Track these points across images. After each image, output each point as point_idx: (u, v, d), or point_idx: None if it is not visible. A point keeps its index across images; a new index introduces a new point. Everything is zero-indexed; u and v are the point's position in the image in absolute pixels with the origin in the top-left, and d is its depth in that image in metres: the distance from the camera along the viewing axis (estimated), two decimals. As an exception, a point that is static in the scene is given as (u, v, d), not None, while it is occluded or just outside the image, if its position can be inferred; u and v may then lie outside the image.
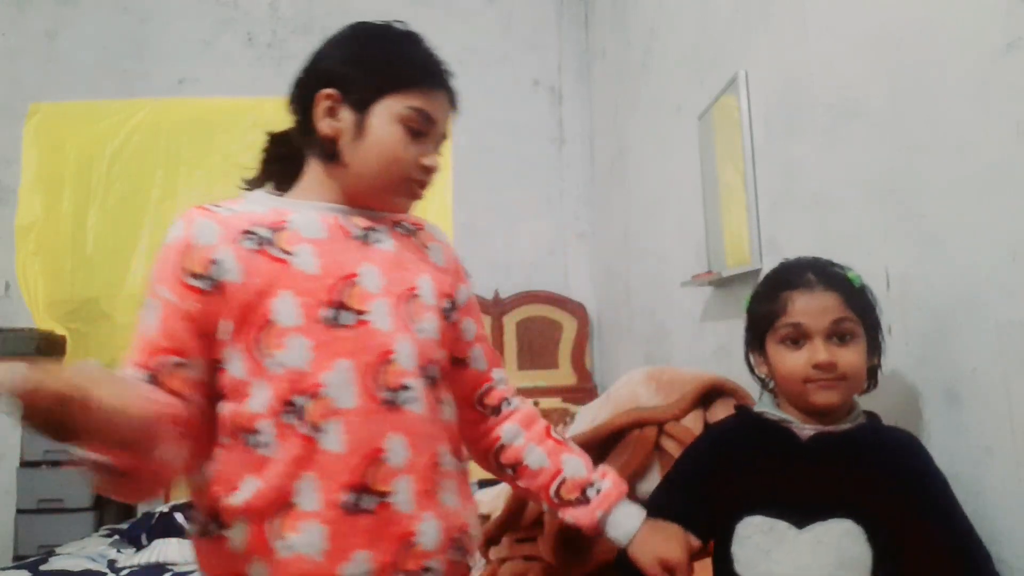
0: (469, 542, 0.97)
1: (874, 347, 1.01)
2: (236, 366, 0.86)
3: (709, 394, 1.57)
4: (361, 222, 0.96)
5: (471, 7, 3.88)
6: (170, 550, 2.38)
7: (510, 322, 3.65)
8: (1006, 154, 0.89)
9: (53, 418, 0.70)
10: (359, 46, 0.96)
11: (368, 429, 0.86)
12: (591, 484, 1.04)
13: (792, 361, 0.98)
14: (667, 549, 0.98)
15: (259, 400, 0.84)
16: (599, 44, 3.57)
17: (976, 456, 0.95)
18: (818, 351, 0.96)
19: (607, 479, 1.06)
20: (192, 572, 0.79)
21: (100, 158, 3.61)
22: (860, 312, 0.98)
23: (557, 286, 3.74)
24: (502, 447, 1.08)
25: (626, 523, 1.02)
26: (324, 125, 0.93)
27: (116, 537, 2.65)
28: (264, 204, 0.94)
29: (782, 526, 0.94)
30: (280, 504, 0.83)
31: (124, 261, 3.54)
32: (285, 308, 0.86)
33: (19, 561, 2.55)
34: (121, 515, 3.15)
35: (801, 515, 0.94)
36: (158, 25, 3.73)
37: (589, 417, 1.70)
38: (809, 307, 0.98)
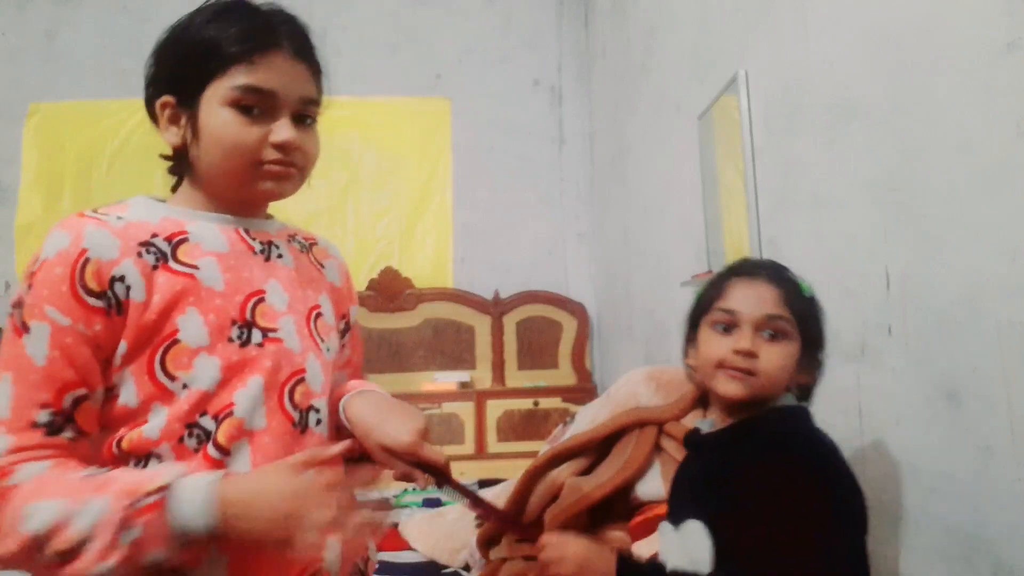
0: (367, 567, 0.94)
1: (809, 362, 0.99)
2: (129, 391, 0.77)
3: (709, 394, 1.57)
4: (260, 236, 0.90)
5: (471, 7, 3.88)
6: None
7: (510, 322, 3.65)
8: (1006, 154, 0.89)
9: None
10: (172, 42, 0.87)
11: (279, 452, 0.81)
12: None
13: (715, 345, 0.98)
14: (396, 433, 0.84)
15: (154, 426, 0.77)
16: (599, 44, 3.57)
17: (976, 456, 0.95)
18: (743, 338, 0.95)
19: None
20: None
21: (100, 158, 3.62)
22: (800, 318, 0.97)
23: (557, 286, 3.74)
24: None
25: (353, 402, 0.91)
26: (169, 135, 0.86)
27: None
28: (153, 212, 0.85)
29: (667, 526, 1.01)
30: None
31: (124, 261, 3.54)
32: (193, 327, 0.79)
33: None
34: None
35: (675, 514, 1.00)
36: (158, 25, 3.65)
37: (589, 417, 1.70)
38: (746, 295, 0.98)
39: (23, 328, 0.74)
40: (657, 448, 1.50)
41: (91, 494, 0.69)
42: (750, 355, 0.94)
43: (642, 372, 1.73)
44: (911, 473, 1.06)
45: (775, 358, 0.94)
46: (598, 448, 1.57)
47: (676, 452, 1.47)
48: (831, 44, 1.33)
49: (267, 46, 0.83)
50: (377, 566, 0.99)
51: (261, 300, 0.85)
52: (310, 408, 0.86)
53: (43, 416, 0.73)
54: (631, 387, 1.67)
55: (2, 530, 0.69)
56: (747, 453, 0.95)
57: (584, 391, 3.48)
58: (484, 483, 2.94)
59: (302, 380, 0.86)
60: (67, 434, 0.74)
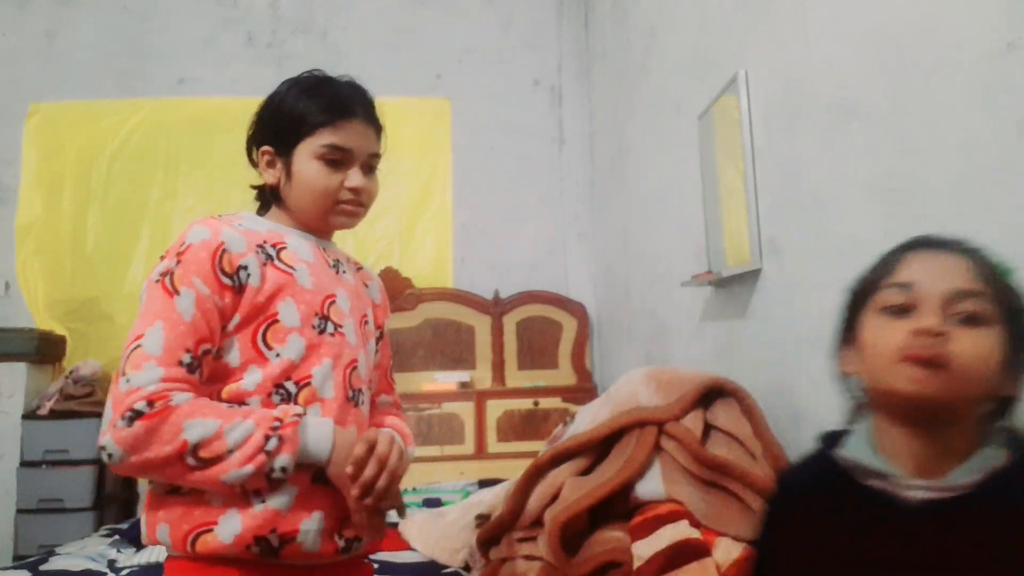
0: (384, 528, 1.13)
1: (1016, 364, 0.72)
2: (233, 354, 1.00)
3: (709, 394, 1.57)
4: (332, 254, 1.17)
5: (471, 7, 3.88)
6: (170, 550, 2.37)
7: (510, 322, 3.65)
8: (1006, 154, 0.89)
9: None
10: (272, 107, 1.13)
11: (339, 416, 1.04)
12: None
13: (888, 332, 0.72)
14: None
15: (251, 381, 1.00)
16: (599, 44, 3.57)
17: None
18: (926, 316, 0.70)
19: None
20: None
21: (100, 158, 3.61)
22: (1004, 305, 0.71)
23: (557, 286, 3.74)
24: None
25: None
26: (267, 176, 1.14)
27: (116, 537, 2.65)
28: (261, 225, 1.11)
29: None
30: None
31: (124, 261, 3.54)
32: (289, 312, 1.04)
33: (19, 561, 2.54)
34: (121, 515, 3.16)
35: None
36: (158, 25, 3.73)
37: (589, 417, 1.70)
38: (927, 267, 0.73)
39: (174, 291, 0.97)
40: (657, 448, 1.50)
41: (239, 417, 0.94)
42: (938, 335, 0.68)
43: (642, 372, 1.73)
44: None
45: (974, 346, 0.68)
46: (598, 448, 1.57)
47: (676, 452, 1.47)
48: (831, 44, 1.33)
49: (347, 114, 1.10)
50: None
51: (334, 302, 1.10)
52: (359, 389, 1.10)
53: (186, 358, 0.95)
54: (631, 387, 1.67)
55: (163, 438, 0.90)
56: None
57: (584, 391, 3.48)
58: (484, 483, 2.94)
59: (356, 367, 1.10)
60: (197, 375, 0.96)
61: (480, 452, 3.40)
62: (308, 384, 1.03)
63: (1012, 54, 0.88)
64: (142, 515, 1.01)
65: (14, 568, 2.21)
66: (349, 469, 0.97)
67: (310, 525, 0.99)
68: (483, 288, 3.67)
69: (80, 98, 3.65)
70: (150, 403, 0.90)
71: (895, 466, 0.72)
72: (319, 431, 0.99)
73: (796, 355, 1.50)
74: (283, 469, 0.94)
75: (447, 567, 1.97)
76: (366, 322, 1.18)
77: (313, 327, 1.05)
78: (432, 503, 2.70)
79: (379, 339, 1.25)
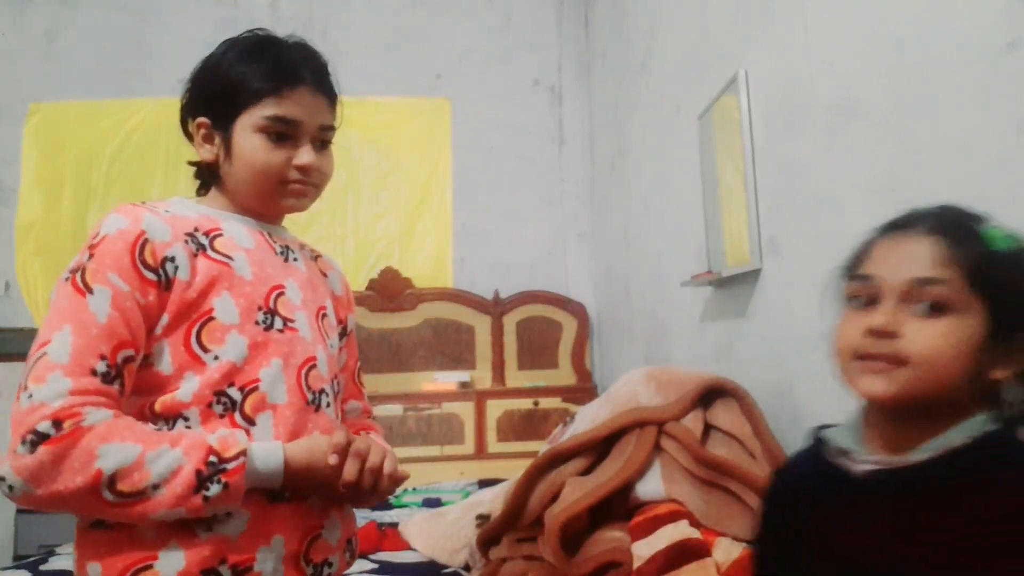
0: (356, 546, 1.04)
1: (1006, 346, 0.67)
2: (164, 361, 0.87)
3: (709, 394, 1.57)
4: (280, 240, 1.03)
5: (471, 7, 3.88)
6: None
7: (510, 322, 3.65)
8: (1007, 154, 0.89)
9: None
10: (207, 72, 1.01)
11: (296, 424, 0.92)
12: None
13: (847, 327, 0.71)
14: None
15: (187, 391, 0.87)
16: (599, 44, 3.57)
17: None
18: (881, 311, 0.67)
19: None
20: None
21: (100, 158, 3.61)
22: (981, 280, 0.66)
23: (557, 286, 3.74)
24: None
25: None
26: (203, 152, 1.00)
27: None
28: (192, 210, 0.98)
29: None
30: None
31: (124, 261, 3.54)
32: (226, 307, 0.91)
33: (19, 561, 2.54)
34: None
35: None
36: (158, 25, 3.73)
37: (589, 417, 1.70)
38: (890, 254, 0.70)
39: (86, 289, 0.83)
40: (657, 448, 1.50)
41: (164, 444, 0.80)
42: (886, 335, 0.66)
43: (642, 372, 1.73)
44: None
45: (931, 338, 0.65)
46: (598, 448, 1.57)
47: (676, 452, 1.47)
48: (831, 44, 1.33)
49: (293, 81, 0.96)
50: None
51: (282, 293, 0.97)
52: (321, 391, 0.97)
53: (100, 366, 0.81)
54: (631, 387, 1.67)
55: (72, 466, 0.76)
56: (1002, 495, 0.63)
57: (584, 391, 3.48)
58: (484, 483, 2.94)
59: (314, 366, 0.97)
60: (116, 386, 0.83)
61: (480, 452, 3.40)
62: (255, 389, 0.89)
63: (1012, 54, 0.88)
64: (74, 553, 0.87)
65: (14, 568, 2.21)
66: (332, 459, 0.86)
67: (268, 554, 0.87)
68: (483, 288, 3.67)
69: (80, 98, 3.64)
70: (56, 423, 0.75)
71: (873, 452, 0.71)
72: (268, 464, 0.85)
73: (796, 355, 1.50)
74: (227, 514, 0.84)
75: (447, 567, 1.97)
76: (324, 315, 1.04)
77: (257, 323, 0.92)
78: (432, 503, 2.70)
79: (343, 336, 1.11)
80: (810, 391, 1.44)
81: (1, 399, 3.10)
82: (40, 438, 0.75)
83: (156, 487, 0.78)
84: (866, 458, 0.70)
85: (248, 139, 0.95)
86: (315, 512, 0.93)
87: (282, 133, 0.96)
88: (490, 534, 1.69)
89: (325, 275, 1.12)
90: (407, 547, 2.16)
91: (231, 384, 0.88)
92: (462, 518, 2.12)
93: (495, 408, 3.45)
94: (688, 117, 2.14)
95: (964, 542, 0.62)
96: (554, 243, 3.81)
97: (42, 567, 2.20)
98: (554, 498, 1.51)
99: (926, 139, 1.05)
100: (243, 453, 0.82)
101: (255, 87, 0.95)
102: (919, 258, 0.67)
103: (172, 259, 0.88)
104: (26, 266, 3.51)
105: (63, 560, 2.31)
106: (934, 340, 0.65)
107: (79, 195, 3.58)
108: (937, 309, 0.66)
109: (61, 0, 3.70)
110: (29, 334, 3.17)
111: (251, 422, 0.88)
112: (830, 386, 1.12)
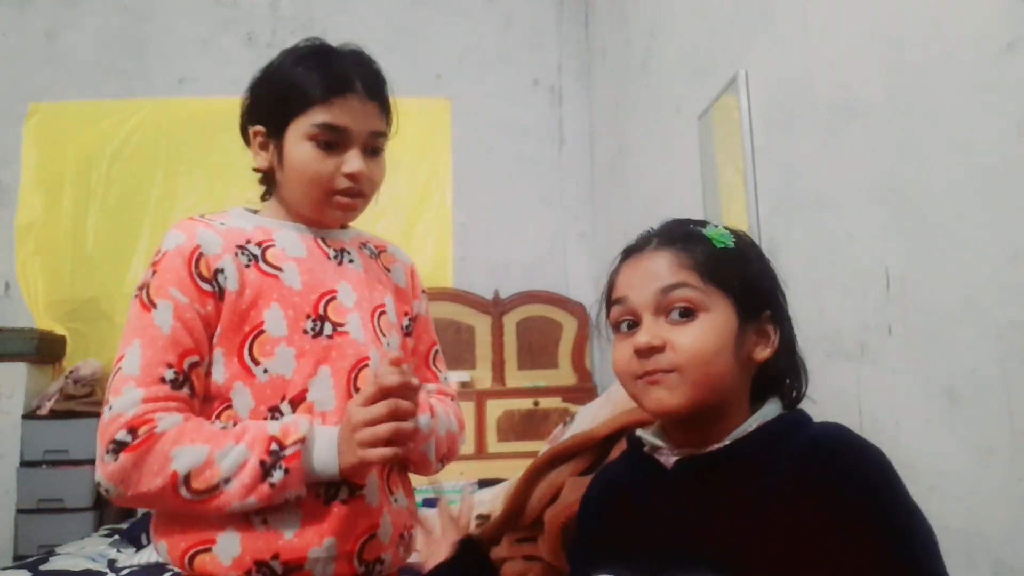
0: (412, 541, 1.05)
1: (759, 324, 0.74)
2: (218, 370, 0.92)
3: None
4: (334, 244, 1.05)
5: (471, 7, 3.88)
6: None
7: (510, 322, 3.65)
8: (1006, 154, 0.89)
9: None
10: (264, 80, 1.02)
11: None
12: None
13: (619, 352, 0.74)
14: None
15: (242, 403, 0.91)
16: (599, 44, 3.57)
17: (976, 456, 0.95)
18: (642, 330, 0.71)
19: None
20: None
21: (100, 158, 3.61)
22: (718, 278, 0.72)
23: (557, 286, 3.74)
24: None
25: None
26: (259, 159, 1.02)
27: (116, 537, 2.65)
28: (248, 221, 1.01)
29: None
30: None
31: (124, 261, 3.54)
32: (275, 319, 0.94)
33: (19, 561, 2.55)
34: (121, 515, 3.15)
35: (654, 569, 0.68)
36: (158, 25, 3.73)
37: (589, 417, 1.70)
38: (634, 275, 0.74)
39: (151, 304, 0.90)
40: (657, 448, 1.50)
41: (230, 440, 0.86)
42: (654, 351, 0.70)
43: (642, 372, 1.72)
44: (911, 473, 1.06)
45: (692, 339, 0.69)
46: (598, 448, 1.57)
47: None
48: (831, 44, 1.33)
49: (343, 89, 0.97)
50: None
51: (333, 298, 0.99)
52: None
53: (168, 374, 0.87)
54: (631, 387, 1.67)
55: (151, 469, 0.83)
56: (792, 469, 0.66)
57: (584, 391, 3.48)
58: (484, 483, 2.94)
59: (366, 367, 0.98)
60: (185, 390, 0.89)
61: (480, 452, 3.40)
62: (303, 400, 0.93)
63: (1012, 54, 0.88)
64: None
65: (14, 568, 2.21)
66: (363, 413, 0.87)
67: (319, 553, 0.89)
68: (483, 288, 3.67)
69: (80, 98, 3.65)
70: (132, 431, 0.83)
71: (679, 448, 0.75)
72: (324, 450, 0.89)
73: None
74: (298, 497, 0.88)
75: (447, 567, 1.97)
76: (382, 313, 1.04)
77: (305, 332, 0.95)
78: (432, 503, 2.70)
79: (408, 326, 1.11)
80: (809, 391, 1.44)
81: (1, 399, 3.09)
82: (120, 446, 0.83)
83: (227, 481, 0.85)
84: (676, 452, 0.75)
85: (298, 147, 0.97)
86: (371, 512, 0.95)
87: (331, 141, 0.97)
88: (490, 534, 1.69)
89: (388, 269, 1.12)
90: (407, 547, 2.16)
91: (283, 399, 0.92)
92: (462, 518, 2.11)
93: (495, 408, 3.45)
94: (688, 117, 2.14)
95: (757, 515, 0.65)
96: (554, 243, 3.81)
97: (42, 567, 2.21)
98: (554, 498, 1.51)
99: (926, 139, 1.05)
100: (301, 440, 0.87)
101: (305, 95, 0.96)
102: (658, 270, 0.73)
103: (222, 270, 0.92)
104: (26, 266, 3.51)
105: (63, 560, 2.31)
106: (695, 340, 0.70)
107: (79, 195, 3.58)
108: (688, 313, 0.71)
109: (61, 0, 3.70)
110: (29, 334, 3.19)
111: None
112: (830, 386, 1.12)
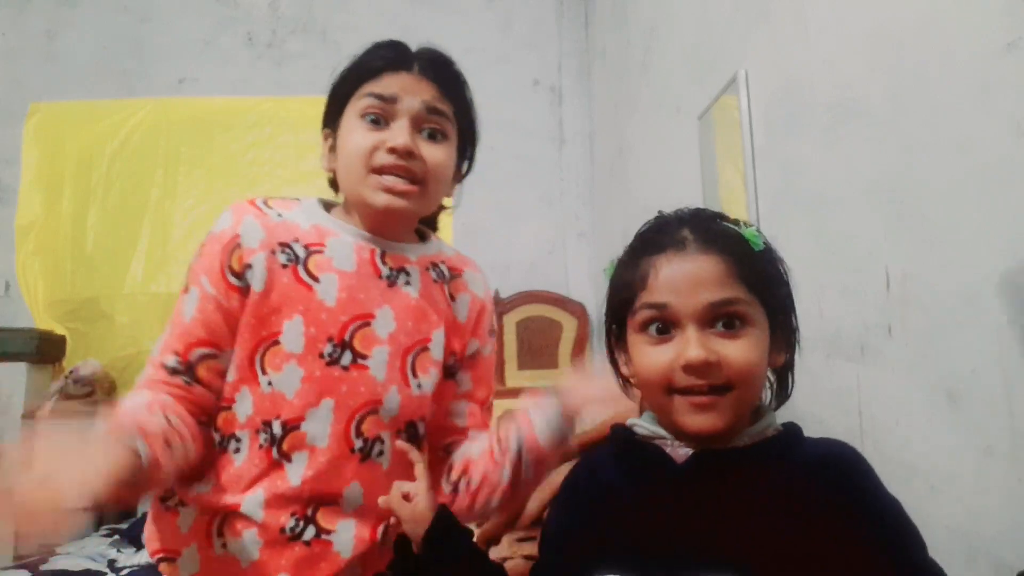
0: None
1: (781, 335, 0.73)
2: (232, 366, 0.88)
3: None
4: (393, 261, 0.94)
5: (471, 7, 3.88)
6: (170, 550, 2.36)
7: (510, 322, 3.65)
8: (1006, 154, 0.89)
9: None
10: (332, 81, 0.97)
11: (328, 472, 0.87)
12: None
13: (654, 360, 0.69)
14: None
15: (242, 411, 0.87)
16: (599, 44, 3.57)
17: (976, 456, 0.95)
18: (689, 344, 0.67)
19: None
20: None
21: (100, 158, 3.61)
22: (758, 287, 0.70)
23: (557, 286, 3.74)
24: (450, 466, 1.01)
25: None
26: (326, 163, 0.96)
27: (116, 537, 2.65)
28: (310, 217, 0.93)
29: None
30: (229, 508, 0.87)
31: (124, 261, 3.54)
32: (294, 333, 0.87)
33: (19, 561, 2.54)
34: (121, 515, 3.15)
35: (670, 569, 0.64)
36: (158, 25, 3.73)
37: (589, 417, 1.70)
38: (678, 278, 0.69)
39: (186, 287, 0.89)
40: (657, 448, 1.50)
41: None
42: (705, 368, 0.66)
43: (642, 372, 1.72)
44: (910, 473, 1.06)
45: (743, 354, 0.67)
46: (598, 448, 1.57)
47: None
48: (831, 44, 1.33)
49: (397, 66, 0.90)
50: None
51: (366, 324, 0.90)
52: (376, 438, 0.90)
53: (171, 361, 0.86)
54: (631, 387, 1.67)
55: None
56: (810, 474, 0.66)
57: (584, 391, 3.47)
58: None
59: (375, 411, 0.90)
60: (184, 378, 0.85)
61: (480, 452, 3.40)
62: (296, 428, 0.86)
63: (1012, 54, 0.88)
64: None
65: (14, 568, 2.21)
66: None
67: None
68: (483, 288, 3.67)
69: (80, 98, 3.64)
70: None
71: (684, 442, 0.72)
72: None
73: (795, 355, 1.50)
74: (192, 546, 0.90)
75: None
76: (423, 350, 0.93)
77: (321, 355, 0.87)
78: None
79: (452, 366, 1.00)
80: (809, 391, 1.43)
81: (0, 399, 3.09)
82: None
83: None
84: (686, 444, 0.71)
85: (348, 126, 0.90)
86: (336, 558, 0.89)
87: (378, 115, 0.88)
88: (490, 534, 1.69)
89: (453, 298, 1.01)
90: (407, 547, 2.16)
91: (277, 416, 0.86)
92: (462, 518, 2.11)
93: (495, 408, 3.44)
94: (688, 117, 2.14)
95: (777, 517, 0.65)
96: (554, 243, 3.81)
97: (42, 567, 2.21)
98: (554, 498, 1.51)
99: (926, 139, 1.05)
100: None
101: (359, 73, 0.91)
102: (707, 279, 0.68)
103: (251, 267, 0.87)
104: (26, 266, 3.51)
105: (63, 560, 2.31)
106: (747, 356, 0.67)
107: (79, 195, 3.58)
108: (732, 324, 0.68)
109: (61, 0, 3.70)
110: (29, 334, 3.18)
111: (287, 459, 0.87)
112: (830, 386, 1.12)
